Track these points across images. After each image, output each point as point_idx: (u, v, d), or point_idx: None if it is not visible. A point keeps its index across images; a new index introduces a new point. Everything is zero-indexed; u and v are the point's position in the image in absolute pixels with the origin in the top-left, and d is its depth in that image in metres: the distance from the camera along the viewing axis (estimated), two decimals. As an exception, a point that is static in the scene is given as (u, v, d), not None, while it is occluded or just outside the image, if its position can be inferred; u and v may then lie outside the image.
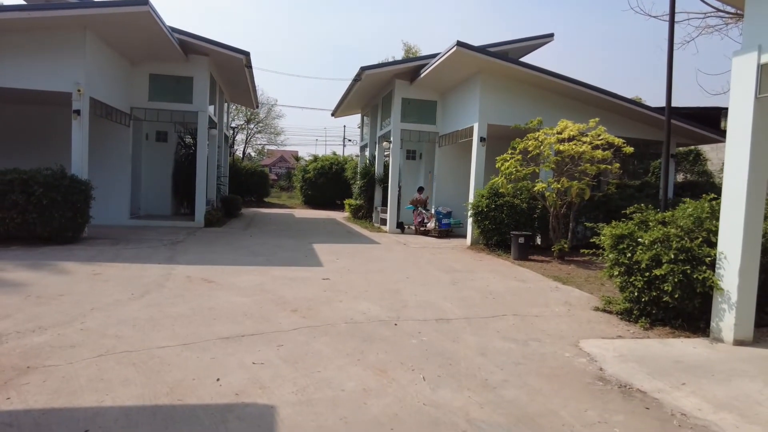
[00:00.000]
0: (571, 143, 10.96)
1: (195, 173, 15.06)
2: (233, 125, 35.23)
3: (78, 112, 11.20)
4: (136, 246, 10.66)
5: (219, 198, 19.01)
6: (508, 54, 15.72)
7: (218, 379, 4.01)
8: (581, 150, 10.75)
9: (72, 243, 10.51)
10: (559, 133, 11.22)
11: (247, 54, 14.60)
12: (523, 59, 16.67)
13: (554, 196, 11.19)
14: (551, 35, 16.53)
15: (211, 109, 16.06)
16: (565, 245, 11.17)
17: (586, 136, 11.08)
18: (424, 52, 34.91)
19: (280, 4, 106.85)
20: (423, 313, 6.33)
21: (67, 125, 11.59)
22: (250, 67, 15.90)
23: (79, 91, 11.16)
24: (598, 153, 10.78)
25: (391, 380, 4.20)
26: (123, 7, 10.85)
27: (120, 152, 14.29)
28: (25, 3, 13.76)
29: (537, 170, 11.71)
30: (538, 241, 12.70)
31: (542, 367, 4.71)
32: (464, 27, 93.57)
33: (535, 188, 11.21)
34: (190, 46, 14.14)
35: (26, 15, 10.53)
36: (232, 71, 16.76)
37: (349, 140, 50.15)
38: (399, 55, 36.73)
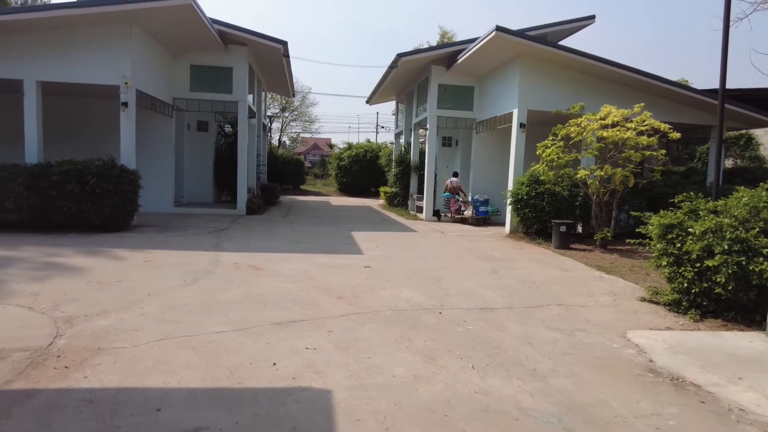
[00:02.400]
0: (614, 129, 10.70)
1: (235, 162, 15.42)
2: (269, 114, 35.70)
3: (126, 104, 11.61)
4: (182, 233, 11.05)
5: (259, 186, 19.42)
6: (547, 37, 15.36)
7: (274, 364, 4.17)
8: (625, 136, 10.47)
9: (122, 230, 10.98)
10: (603, 119, 10.95)
11: (284, 43, 14.76)
12: (563, 42, 16.30)
13: (597, 183, 10.97)
14: (592, 17, 16.02)
15: (250, 98, 16.34)
16: (608, 234, 10.95)
17: (631, 121, 10.79)
18: (459, 37, 34.44)
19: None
20: (466, 302, 6.37)
21: (113, 117, 12.05)
22: (287, 56, 16.07)
23: (126, 83, 11.56)
24: (643, 139, 10.48)
25: (440, 367, 4.28)
26: (167, 0, 11.12)
27: (164, 142, 14.74)
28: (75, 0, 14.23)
29: (579, 157, 11.49)
30: (579, 229, 12.49)
31: (590, 357, 4.70)
32: (500, 10, 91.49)
33: (578, 175, 11.01)
34: (229, 36, 14.39)
35: (76, 11, 10.91)
36: (269, 61, 16.98)
37: (382, 127, 50.20)
38: (434, 41, 36.33)
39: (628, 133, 10.48)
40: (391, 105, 27.43)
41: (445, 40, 33.89)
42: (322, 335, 4.91)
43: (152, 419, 3.25)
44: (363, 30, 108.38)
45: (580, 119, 11.26)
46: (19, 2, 23.30)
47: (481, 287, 7.20)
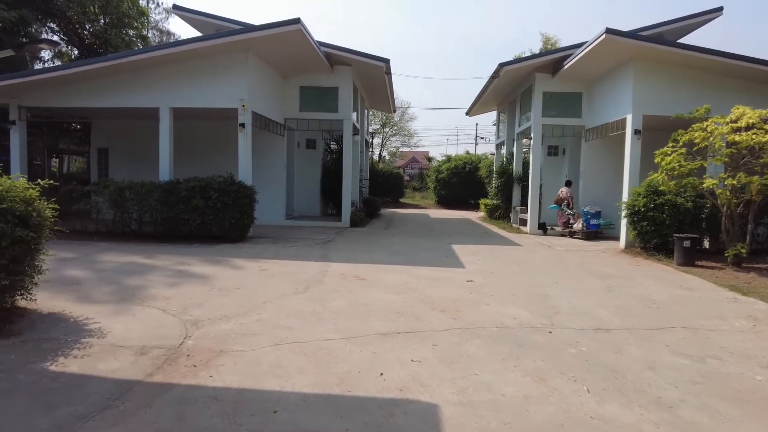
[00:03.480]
0: (749, 132, 9.56)
1: (341, 177, 16.07)
2: (370, 130, 36.85)
3: (243, 125, 12.62)
4: (293, 244, 11.70)
5: (361, 199, 20.05)
6: (664, 36, 14.21)
7: (381, 374, 4.24)
8: (764, 140, 9.31)
9: (240, 241, 11.88)
10: (734, 121, 9.84)
11: (387, 61, 15.17)
12: (683, 40, 14.97)
13: (728, 193, 9.85)
14: (719, 9, 14.54)
15: (354, 116, 16.99)
16: (743, 250, 9.76)
17: (770, 123, 9.58)
18: (563, 43, 33.04)
19: (410, 6, 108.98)
20: (578, 321, 6.01)
21: (231, 137, 13.12)
22: (389, 73, 16.50)
23: (243, 106, 12.57)
24: (787, 143, 9.24)
25: (552, 389, 4.06)
26: (279, 27, 11.97)
27: (276, 160, 15.78)
28: (200, 35, 15.85)
29: (705, 165, 10.41)
30: (706, 244, 11.28)
31: (726, 388, 4.19)
32: (604, 12, 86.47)
33: (704, 185, 9.97)
34: (335, 57, 15.10)
35: (203, 44, 12.16)
36: (372, 79, 17.55)
37: (482, 138, 49.41)
38: (536, 48, 35.25)
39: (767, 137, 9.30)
40: (491, 116, 26.96)
41: (549, 47, 32.74)
42: (427, 348, 4.90)
43: (270, 420, 3.45)
44: (461, 42, 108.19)
45: (705, 123, 10.22)
46: (156, 40, 26.50)
47: (595, 306, 6.75)
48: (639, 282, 8.44)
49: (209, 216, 11.53)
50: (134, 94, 12.98)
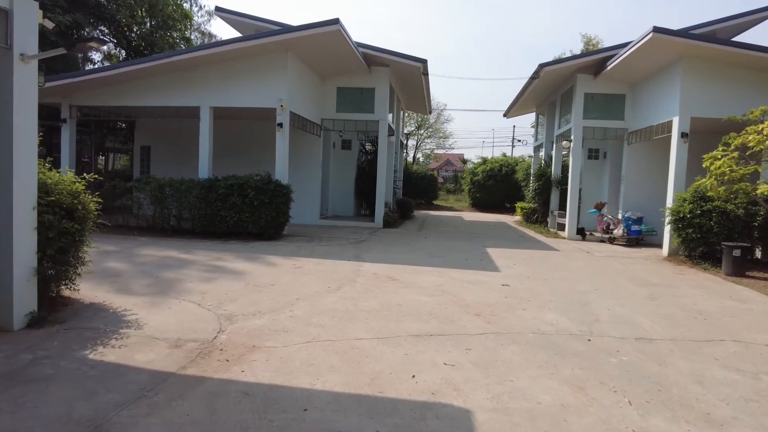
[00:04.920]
0: (809, 136, 9.00)
1: (375, 178, 16.07)
2: (405, 131, 36.78)
3: (281, 125, 12.76)
4: (327, 243, 11.75)
5: (395, 201, 20.00)
6: (716, 34, 13.58)
7: (413, 376, 4.16)
8: (825, 144, 8.75)
9: (275, 239, 12.02)
10: (793, 124, 9.29)
11: (424, 62, 15.08)
12: (737, 39, 14.27)
13: (784, 200, 9.30)
14: (776, 8, 13.81)
15: (389, 117, 16.96)
16: (799, 260, 9.21)
17: (833, 126, 8.99)
18: (605, 44, 32.16)
19: (448, 6, 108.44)
20: (619, 330, 5.76)
21: (269, 137, 13.30)
22: (426, 74, 16.38)
23: (282, 106, 12.72)
24: None
25: (592, 399, 3.89)
26: (318, 28, 12.05)
27: (312, 160, 15.91)
28: (240, 36, 16.15)
29: (759, 170, 9.87)
30: (758, 254, 10.69)
31: (784, 407, 3.92)
32: (651, 13, 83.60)
33: (758, 191, 9.44)
34: (372, 58, 15.11)
35: (244, 44, 12.35)
36: (408, 79, 17.48)
37: (519, 141, 48.57)
38: (577, 49, 34.41)
39: (829, 141, 8.74)
40: (529, 118, 26.48)
41: (590, 48, 31.92)
42: (461, 352, 4.79)
43: (300, 417, 3.42)
44: (499, 44, 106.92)
45: (761, 125, 9.68)
46: (198, 42, 27.26)
47: (637, 315, 6.47)
48: (684, 291, 8.06)
49: (246, 214, 11.70)
50: (176, 94, 13.35)
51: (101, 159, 30.21)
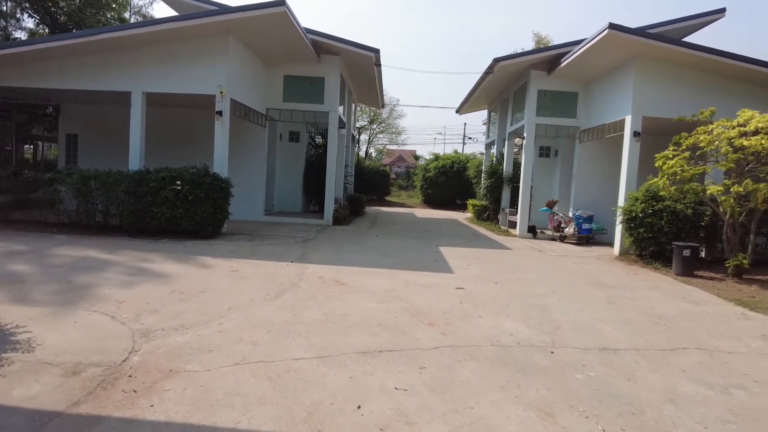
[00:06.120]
0: (757, 137, 9.05)
1: (324, 172, 15.29)
2: (358, 125, 36.03)
3: (220, 113, 11.77)
4: (270, 242, 10.92)
5: (345, 196, 19.27)
6: (666, 36, 13.69)
7: (359, 407, 3.53)
8: (772, 146, 8.80)
9: (213, 237, 11.07)
10: (742, 125, 9.34)
11: (377, 51, 14.44)
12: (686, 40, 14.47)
13: (732, 201, 9.34)
14: (722, 10, 14.06)
15: (340, 109, 16.21)
16: (744, 261, 9.27)
17: (779, 128, 9.07)
18: (556, 42, 32.62)
19: (403, 3, 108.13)
20: (582, 339, 5.37)
21: (209, 126, 12.28)
22: (379, 65, 15.77)
23: (221, 93, 11.73)
24: (797, 149, 8.75)
25: (562, 429, 3.40)
26: (263, 9, 11.16)
27: (257, 152, 14.94)
28: (177, 14, 14.91)
29: (708, 170, 9.90)
30: (702, 253, 10.79)
31: (764, 429, 3.58)
32: (596, 13, 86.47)
33: (708, 191, 9.44)
34: (322, 45, 14.32)
35: (180, 24, 11.26)
36: (360, 70, 16.78)
37: (470, 138, 48.91)
38: (528, 48, 34.73)
39: (776, 142, 8.80)
40: (480, 115, 26.42)
41: (541, 46, 32.25)
42: (414, 372, 4.21)
43: (216, 471, 2.73)
44: (453, 43, 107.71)
45: (710, 126, 9.71)
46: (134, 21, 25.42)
47: (597, 321, 6.13)
48: (640, 293, 7.86)
49: (180, 209, 10.69)
50: (105, 77, 12.07)
51: (29, 148, 27.86)
